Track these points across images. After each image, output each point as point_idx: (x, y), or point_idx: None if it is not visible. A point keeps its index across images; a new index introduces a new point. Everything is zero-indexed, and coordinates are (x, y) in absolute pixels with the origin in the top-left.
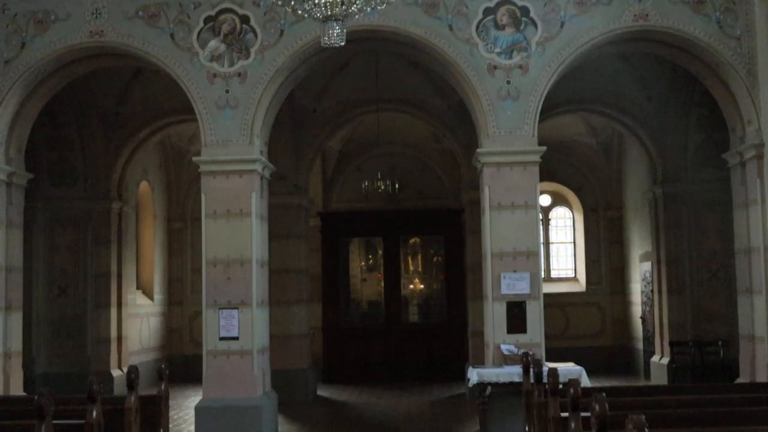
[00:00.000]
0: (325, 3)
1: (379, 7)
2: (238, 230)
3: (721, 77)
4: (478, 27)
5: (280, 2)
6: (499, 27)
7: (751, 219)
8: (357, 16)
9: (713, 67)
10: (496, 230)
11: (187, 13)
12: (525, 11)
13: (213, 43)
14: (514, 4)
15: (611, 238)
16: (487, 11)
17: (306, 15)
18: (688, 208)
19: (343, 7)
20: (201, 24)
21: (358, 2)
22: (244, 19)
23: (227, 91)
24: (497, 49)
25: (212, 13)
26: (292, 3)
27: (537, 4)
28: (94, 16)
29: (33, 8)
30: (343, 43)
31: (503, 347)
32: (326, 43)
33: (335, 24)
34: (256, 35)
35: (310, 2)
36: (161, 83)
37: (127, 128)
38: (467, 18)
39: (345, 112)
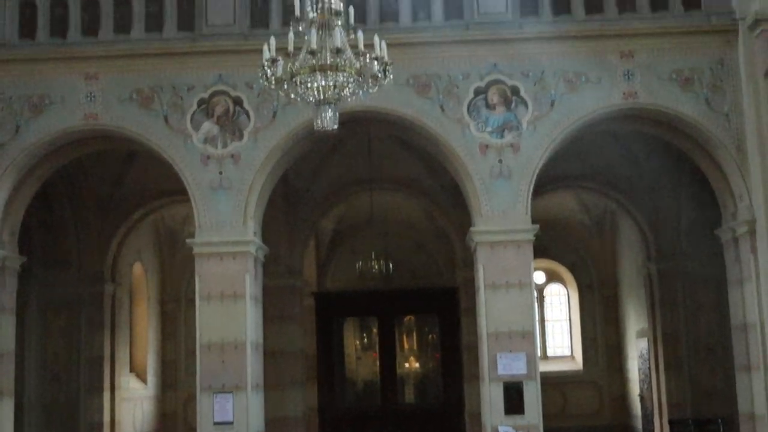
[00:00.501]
0: (317, 87)
1: (371, 91)
2: (232, 313)
3: (711, 154)
4: (469, 107)
5: (272, 86)
6: (490, 106)
7: (747, 295)
8: (350, 99)
9: (703, 143)
10: (491, 310)
11: (181, 95)
12: (515, 90)
13: (206, 125)
14: (505, 84)
15: (607, 315)
16: (478, 91)
17: (299, 99)
18: (683, 285)
19: (336, 90)
20: (194, 106)
21: (350, 86)
22: (237, 101)
23: (221, 173)
24: (489, 129)
25: (205, 95)
26: (285, 87)
27: (527, 83)
28: (89, 99)
29: (28, 92)
30: (336, 127)
31: (501, 429)
32: (319, 127)
33: (328, 108)
34: (249, 117)
35: (302, 86)
36: (155, 165)
37: (121, 210)
38: (458, 98)
39: (338, 192)
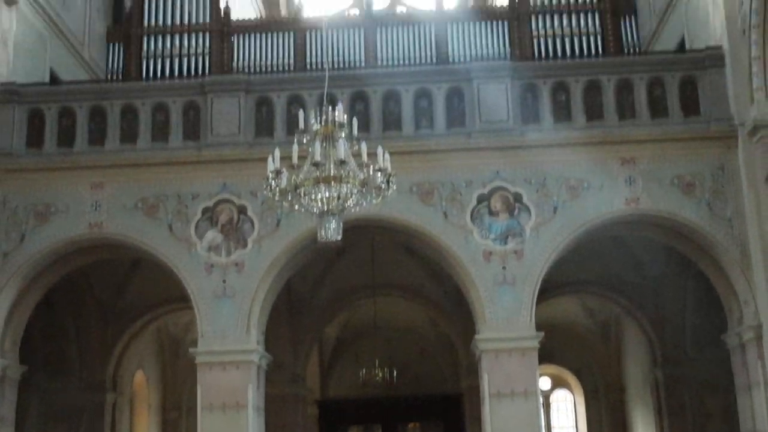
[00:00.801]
0: (321, 198)
1: (374, 202)
2: (234, 423)
3: (715, 258)
4: (472, 214)
5: (276, 198)
6: (493, 213)
7: (755, 402)
8: (353, 210)
9: (706, 248)
10: (496, 419)
11: (186, 204)
12: (518, 197)
13: (211, 234)
14: (507, 191)
15: (614, 421)
16: (481, 198)
17: (303, 210)
18: (690, 391)
19: (339, 202)
20: (199, 215)
21: (353, 197)
22: (242, 210)
23: (224, 282)
24: (492, 236)
25: (210, 204)
26: (289, 198)
27: (530, 189)
28: (94, 208)
29: (33, 201)
30: (339, 239)
31: None
32: (323, 239)
33: (331, 219)
34: (253, 225)
35: (306, 198)
36: (159, 273)
37: (124, 319)
38: (461, 205)
39: (342, 299)
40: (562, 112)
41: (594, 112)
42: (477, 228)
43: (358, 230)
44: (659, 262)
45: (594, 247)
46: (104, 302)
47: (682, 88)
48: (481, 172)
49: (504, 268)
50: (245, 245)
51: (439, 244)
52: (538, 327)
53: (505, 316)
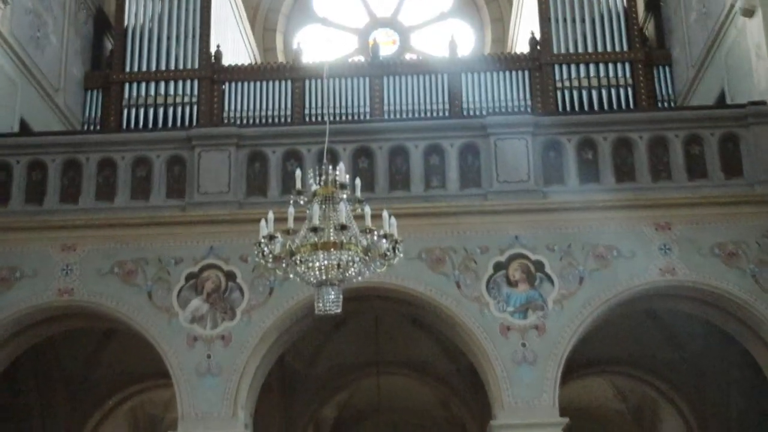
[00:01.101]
0: (319, 267)
1: (379, 270)
2: None
3: (762, 336)
4: (488, 284)
5: (269, 265)
6: (511, 283)
7: None
8: (355, 281)
9: (752, 325)
10: None
11: (168, 269)
12: (539, 266)
13: (195, 303)
14: (528, 258)
15: None
16: (498, 266)
17: (299, 279)
18: None
19: (340, 271)
20: (182, 281)
21: (355, 266)
22: (230, 276)
23: (209, 356)
24: (510, 308)
25: (195, 269)
26: (284, 266)
27: (552, 257)
28: (65, 272)
29: None
30: (339, 311)
31: None
32: (320, 311)
33: (330, 289)
34: (242, 294)
35: (303, 265)
36: (135, 345)
37: (95, 395)
38: (476, 274)
39: (341, 377)
40: (589, 171)
41: (624, 172)
42: (493, 300)
43: (360, 300)
44: (699, 338)
45: (625, 322)
46: (73, 376)
47: (722, 147)
48: (498, 237)
49: (524, 344)
50: (233, 316)
51: (451, 316)
52: (563, 411)
53: (524, 399)
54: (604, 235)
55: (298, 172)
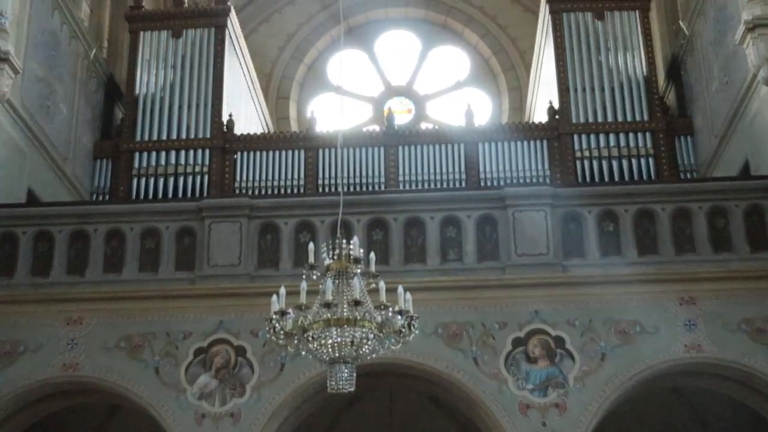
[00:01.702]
0: (332, 344)
1: (393, 348)
2: None
3: None
4: (507, 360)
5: (281, 342)
6: (531, 360)
7: None
8: (369, 358)
9: None
10: None
11: (176, 344)
12: (560, 342)
13: (203, 379)
14: (548, 334)
15: None
16: (517, 342)
17: (311, 356)
18: None
19: (353, 348)
20: (191, 357)
21: (369, 343)
22: (240, 351)
23: None
24: (529, 386)
25: (204, 344)
26: (296, 343)
27: (573, 333)
28: (70, 347)
29: (1, 338)
30: (352, 389)
31: None
32: (333, 389)
33: (344, 367)
34: (252, 369)
35: (315, 342)
36: (141, 422)
37: None
38: (494, 350)
39: None
40: (610, 244)
41: (647, 245)
42: (512, 377)
43: (374, 376)
44: (726, 417)
45: (649, 400)
46: None
47: (747, 219)
48: (517, 312)
49: (544, 423)
50: (243, 393)
51: (469, 394)
52: None
53: None
54: (627, 309)
55: (311, 245)
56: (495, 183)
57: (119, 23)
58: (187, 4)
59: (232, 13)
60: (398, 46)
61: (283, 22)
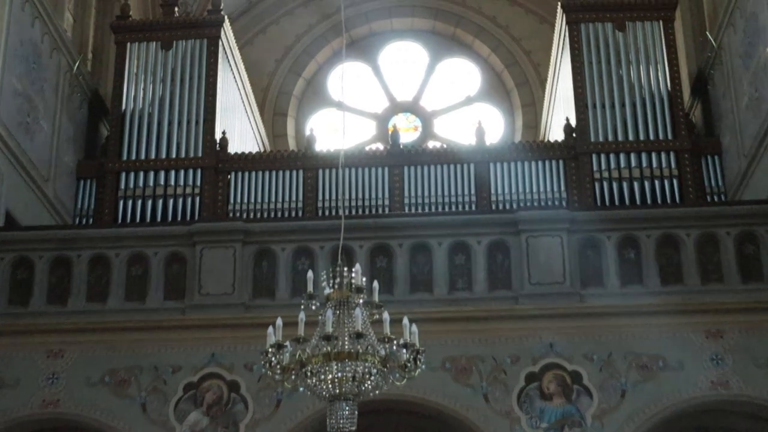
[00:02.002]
0: (332, 379)
1: (398, 384)
2: None
3: None
4: (519, 397)
5: (277, 376)
6: (545, 396)
7: None
8: (372, 395)
9: None
10: None
11: (164, 378)
12: (577, 377)
13: (194, 416)
14: (563, 369)
15: None
16: (531, 377)
17: (309, 392)
18: None
19: (355, 383)
20: (180, 392)
21: (372, 378)
22: (233, 387)
23: None
24: (544, 425)
25: (194, 379)
26: (293, 378)
27: (591, 368)
28: (50, 381)
29: None
30: (353, 429)
31: None
32: (333, 428)
33: (345, 404)
34: (246, 406)
35: (314, 378)
36: None
37: None
38: (506, 386)
39: None
40: (631, 272)
41: (670, 274)
42: (525, 414)
43: (377, 414)
44: None
45: None
46: None
47: None
48: (530, 345)
49: None
50: (236, 431)
51: None
52: None
53: None
54: (649, 343)
55: (309, 273)
56: (507, 206)
57: (105, 34)
58: (177, 14)
59: (226, 24)
60: (404, 59)
61: (280, 33)
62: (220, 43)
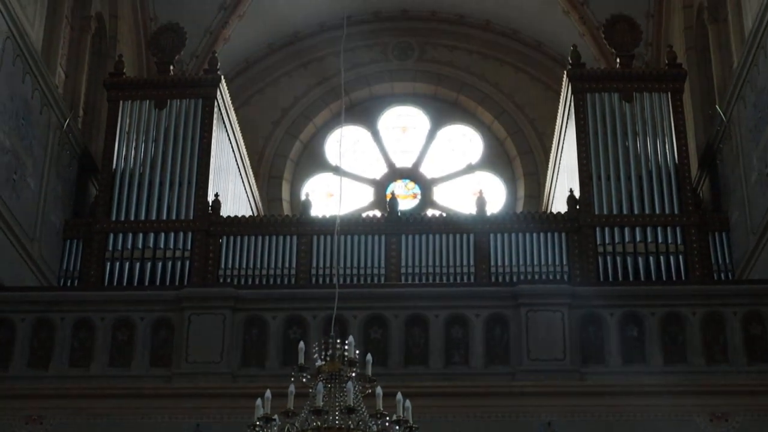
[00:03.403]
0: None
1: None
2: None
3: None
4: None
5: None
6: None
7: None
8: None
9: None
10: None
11: None
12: None
13: None
14: None
15: None
16: None
17: None
18: None
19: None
20: None
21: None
22: None
23: None
24: None
25: None
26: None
27: None
28: None
29: None
30: None
31: None
32: None
33: None
34: None
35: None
36: None
37: None
38: None
39: None
40: (634, 350)
41: (675, 353)
42: None
43: None
44: None
45: None
46: None
47: None
48: (528, 423)
49: None
50: None
51: None
52: None
53: None
54: (651, 424)
55: (301, 344)
56: (507, 279)
57: (97, 91)
58: (173, 72)
59: (222, 84)
60: (404, 125)
61: (277, 94)
62: (216, 103)
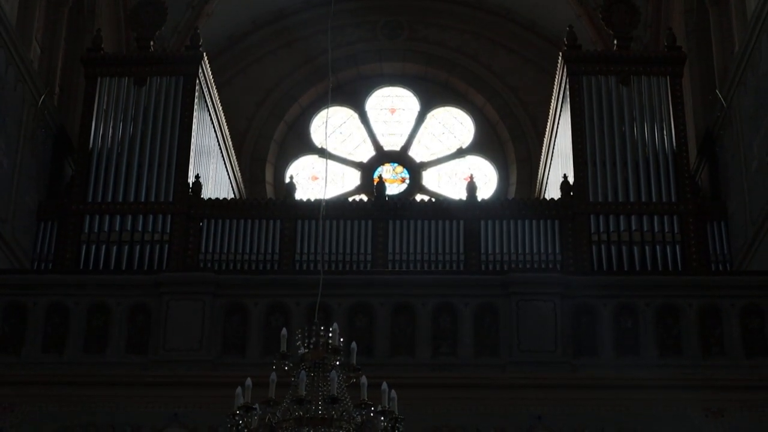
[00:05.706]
0: None
1: None
2: None
3: None
4: None
5: None
6: None
7: None
8: None
9: None
10: None
11: None
12: None
13: None
14: None
15: None
16: None
17: None
18: None
19: None
20: None
21: None
22: None
23: None
24: None
25: None
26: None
27: None
28: None
29: None
30: None
31: None
32: None
33: None
34: None
35: None
36: None
37: None
38: None
39: None
40: (628, 342)
41: (670, 346)
42: None
43: None
44: None
45: None
46: None
47: None
48: (517, 416)
49: None
50: None
51: None
52: None
53: None
54: (644, 419)
55: (283, 331)
56: (498, 267)
57: (74, 67)
58: (153, 49)
59: (204, 61)
60: (393, 106)
61: (262, 74)
62: (198, 81)
